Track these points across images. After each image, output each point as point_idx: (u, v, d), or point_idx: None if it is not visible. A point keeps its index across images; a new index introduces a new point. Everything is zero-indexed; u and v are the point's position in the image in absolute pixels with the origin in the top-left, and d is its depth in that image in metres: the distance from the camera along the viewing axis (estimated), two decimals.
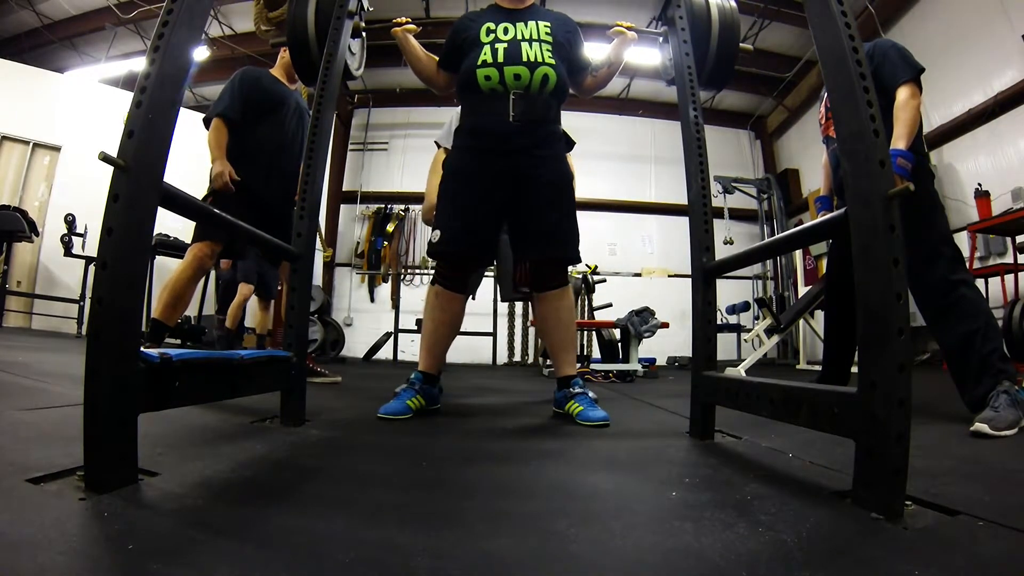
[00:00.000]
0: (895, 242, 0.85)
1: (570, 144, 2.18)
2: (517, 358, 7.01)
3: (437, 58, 2.08)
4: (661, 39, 2.00)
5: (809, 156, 7.29)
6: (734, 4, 1.91)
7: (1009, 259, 4.20)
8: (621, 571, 0.64)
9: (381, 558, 0.66)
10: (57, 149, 6.11)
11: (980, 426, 1.47)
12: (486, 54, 1.89)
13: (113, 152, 0.87)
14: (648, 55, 6.71)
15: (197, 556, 0.63)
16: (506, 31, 1.93)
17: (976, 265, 4.33)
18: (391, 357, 6.53)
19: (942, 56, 4.99)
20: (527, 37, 1.92)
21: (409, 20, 2.03)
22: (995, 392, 1.60)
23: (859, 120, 0.91)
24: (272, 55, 3.01)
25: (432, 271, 2.07)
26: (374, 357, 6.30)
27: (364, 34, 2.10)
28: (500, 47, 1.89)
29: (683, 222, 1.75)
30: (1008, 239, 4.21)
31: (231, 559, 0.63)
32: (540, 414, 2.05)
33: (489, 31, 1.93)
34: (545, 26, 1.96)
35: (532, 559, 0.68)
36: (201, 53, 6.86)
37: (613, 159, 7.89)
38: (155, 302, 2.37)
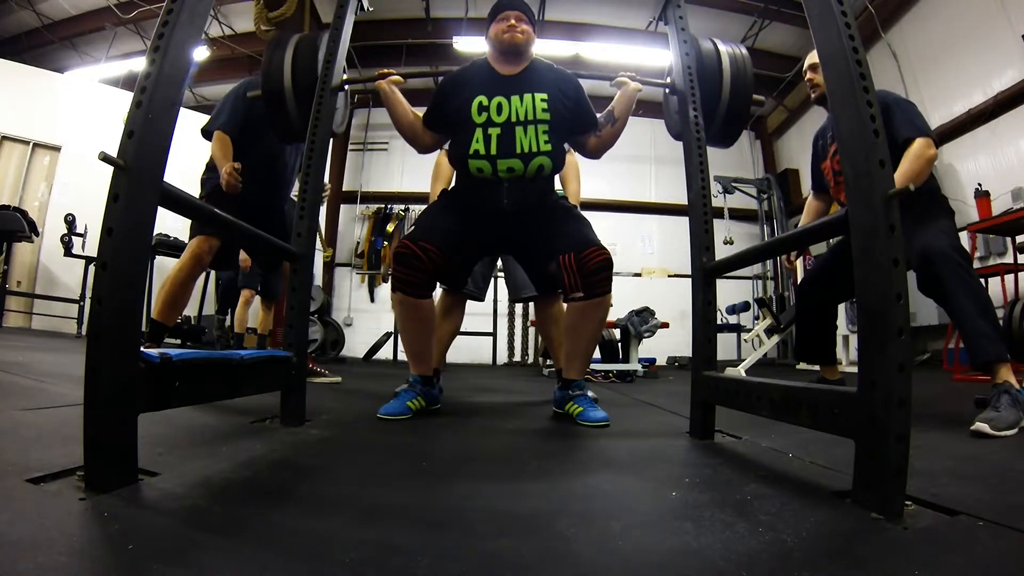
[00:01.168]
0: (895, 242, 0.85)
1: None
2: (517, 358, 7.01)
3: (421, 115, 1.96)
4: (667, 90, 1.91)
5: (809, 156, 7.29)
6: (746, 52, 1.82)
7: (1009, 259, 4.20)
8: (621, 571, 0.64)
9: (381, 558, 0.66)
10: (57, 149, 6.11)
11: (980, 426, 1.47)
12: (478, 141, 1.79)
13: (113, 152, 0.87)
14: (648, 55, 6.72)
15: (197, 556, 0.63)
16: (500, 109, 1.80)
17: (976, 265, 4.32)
18: (391, 357, 6.53)
19: (942, 56, 4.99)
20: (522, 118, 1.79)
21: (394, 72, 1.90)
22: (995, 392, 1.60)
23: (859, 120, 0.91)
24: None
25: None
26: (374, 357, 6.30)
27: (347, 88, 1.93)
28: (493, 134, 1.79)
29: (683, 222, 1.75)
30: (1008, 239, 4.20)
31: (231, 559, 0.63)
32: (540, 414, 2.05)
33: (481, 108, 1.80)
34: (542, 100, 1.82)
35: (532, 559, 0.68)
36: (201, 53, 6.86)
37: (613, 159, 7.77)
38: (154, 301, 2.34)
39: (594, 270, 1.74)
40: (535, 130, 1.80)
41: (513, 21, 1.85)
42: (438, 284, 1.97)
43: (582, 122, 1.93)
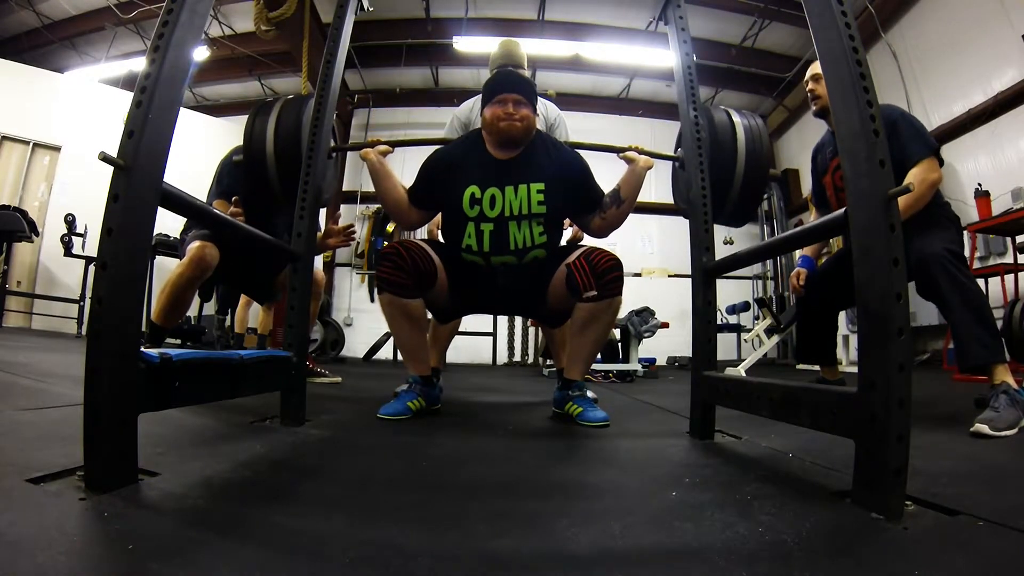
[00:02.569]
0: (895, 242, 0.85)
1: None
2: (517, 358, 7.00)
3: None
4: (676, 164, 1.84)
5: (809, 156, 7.29)
6: (761, 123, 1.73)
7: (1009, 259, 4.20)
8: (621, 571, 0.64)
9: (381, 558, 0.66)
10: (57, 149, 6.11)
11: (980, 427, 1.47)
12: (470, 237, 1.75)
13: (113, 152, 0.87)
14: (649, 55, 6.73)
15: (197, 556, 0.63)
16: (493, 203, 1.73)
17: (976, 265, 4.33)
18: (391, 357, 6.53)
19: (942, 56, 4.99)
20: (515, 212, 1.72)
21: (381, 140, 1.84)
22: (994, 392, 1.60)
23: (859, 120, 0.91)
24: (272, 54, 2.99)
25: None
26: (374, 357, 6.30)
27: (335, 155, 1.89)
28: (486, 229, 1.74)
29: (683, 222, 1.74)
30: (1008, 239, 4.21)
31: (231, 559, 0.63)
32: (540, 414, 2.05)
33: (474, 200, 1.73)
34: (538, 191, 1.73)
35: (532, 559, 0.68)
36: (201, 53, 6.85)
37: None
38: (154, 304, 2.28)
39: (606, 269, 1.71)
40: (529, 225, 1.75)
41: (511, 107, 1.74)
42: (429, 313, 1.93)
43: (585, 205, 1.86)
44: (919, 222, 1.82)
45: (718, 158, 1.65)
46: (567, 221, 2.15)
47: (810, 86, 2.15)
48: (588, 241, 2.04)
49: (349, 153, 8.10)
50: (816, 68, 2.10)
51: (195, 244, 2.24)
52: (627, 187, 1.81)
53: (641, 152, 1.80)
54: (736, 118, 1.71)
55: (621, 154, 1.82)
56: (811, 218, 2.39)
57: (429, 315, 2.03)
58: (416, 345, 1.90)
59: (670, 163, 1.89)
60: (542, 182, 1.75)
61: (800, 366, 5.66)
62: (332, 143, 1.80)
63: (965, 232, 4.36)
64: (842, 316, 2.82)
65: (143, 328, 2.04)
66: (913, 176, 1.78)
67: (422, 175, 1.87)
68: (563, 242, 2.07)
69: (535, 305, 1.91)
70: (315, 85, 1.78)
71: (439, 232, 2.03)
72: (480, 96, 1.97)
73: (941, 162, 1.83)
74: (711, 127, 1.68)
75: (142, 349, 0.90)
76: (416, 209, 1.87)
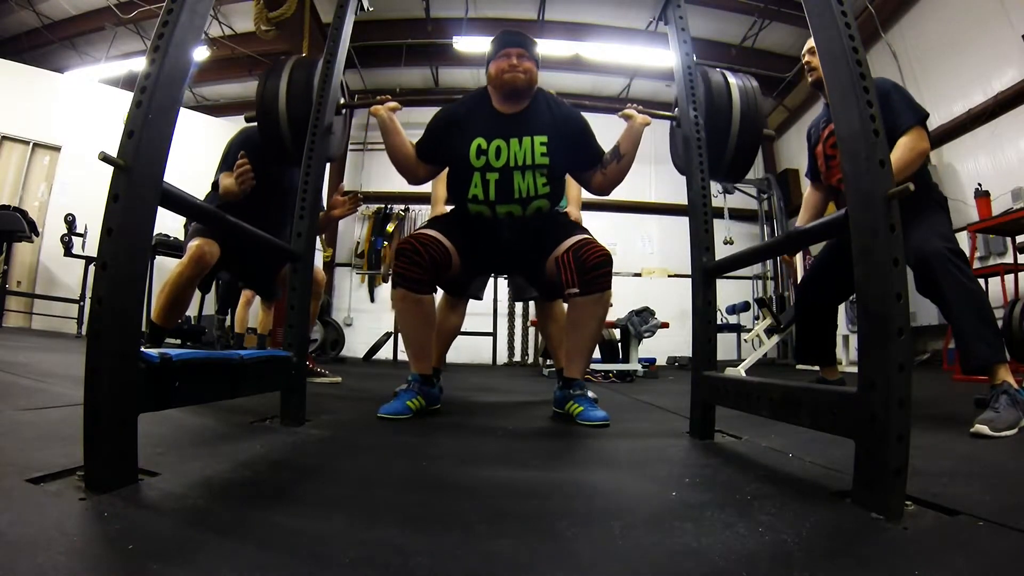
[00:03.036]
0: (895, 242, 0.85)
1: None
2: (517, 358, 7.01)
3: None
4: (674, 123, 1.87)
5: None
6: (756, 84, 1.79)
7: (1009, 259, 4.20)
8: (621, 571, 0.64)
9: (381, 558, 0.66)
10: (57, 149, 6.11)
11: (980, 427, 1.47)
12: (476, 187, 1.79)
13: (113, 152, 0.87)
14: (649, 55, 6.72)
15: (197, 556, 0.63)
16: (498, 153, 1.78)
17: (976, 265, 4.33)
18: (391, 357, 6.53)
19: (942, 56, 4.99)
20: (520, 163, 1.78)
21: (390, 98, 1.87)
22: (994, 392, 1.60)
23: (859, 120, 0.91)
24: (272, 54, 2.99)
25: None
26: (374, 357, 6.30)
27: (345, 112, 1.88)
28: (491, 179, 1.78)
29: (683, 222, 1.75)
30: (1008, 239, 4.21)
31: (231, 559, 0.63)
32: (540, 414, 2.05)
33: (480, 151, 1.78)
34: (541, 143, 1.79)
35: (532, 559, 0.68)
36: (201, 53, 6.86)
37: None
38: (154, 303, 2.28)
39: (592, 267, 1.75)
40: (533, 175, 1.78)
41: (515, 60, 1.80)
42: (439, 290, 1.97)
43: (586, 160, 1.90)
44: (910, 205, 1.82)
45: (714, 118, 1.70)
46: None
47: (806, 58, 2.17)
48: (588, 222, 2.07)
49: (349, 154, 8.13)
50: (812, 42, 2.13)
51: (194, 243, 2.24)
52: (626, 143, 1.85)
53: (639, 110, 1.85)
54: (732, 79, 1.77)
55: (619, 113, 1.87)
56: (806, 199, 2.39)
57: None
58: (422, 342, 1.91)
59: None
60: (545, 135, 1.80)
61: (800, 366, 5.67)
62: (342, 99, 1.83)
63: (965, 232, 4.38)
64: (842, 316, 2.82)
65: (143, 328, 2.04)
66: (903, 145, 1.80)
67: (430, 130, 1.91)
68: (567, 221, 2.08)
69: (536, 268, 1.92)
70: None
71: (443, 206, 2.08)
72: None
73: (927, 132, 1.86)
74: (708, 89, 1.73)
75: (142, 349, 0.90)
76: (423, 164, 1.91)
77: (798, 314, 2.32)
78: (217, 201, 2.29)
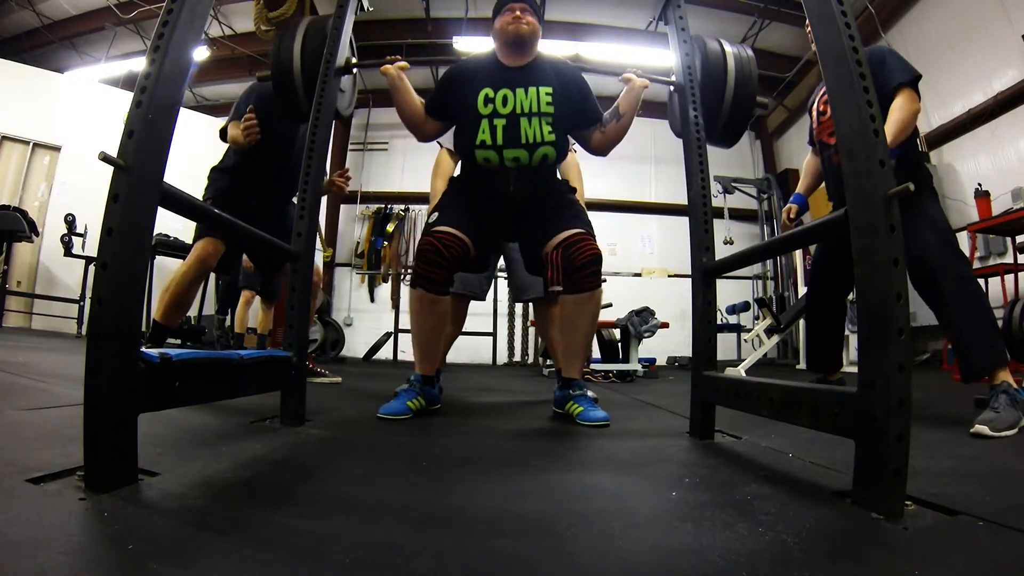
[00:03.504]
0: (895, 242, 0.85)
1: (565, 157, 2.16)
2: (517, 358, 7.01)
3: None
4: (672, 88, 1.91)
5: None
6: (751, 53, 1.83)
7: (1009, 259, 4.20)
8: (621, 571, 0.64)
9: (381, 558, 0.66)
10: (57, 149, 6.11)
11: (980, 428, 1.47)
12: (484, 133, 1.82)
13: (113, 152, 0.86)
14: (649, 55, 6.72)
15: (197, 556, 0.63)
16: (505, 101, 1.82)
17: (976, 265, 4.33)
18: (391, 357, 6.53)
19: (942, 56, 4.99)
20: (526, 110, 1.82)
21: (400, 57, 1.90)
22: (994, 393, 1.60)
23: (859, 120, 0.91)
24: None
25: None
26: (374, 357, 6.30)
27: (355, 71, 1.93)
28: (499, 124, 1.81)
29: (683, 222, 1.75)
30: (1008, 239, 4.21)
31: (231, 559, 0.63)
32: (540, 414, 2.05)
33: (487, 100, 1.83)
34: (546, 93, 1.84)
35: (532, 559, 0.68)
36: (201, 53, 6.86)
37: (613, 159, 7.72)
38: (156, 303, 2.31)
39: (580, 266, 1.77)
40: (539, 121, 1.83)
41: (518, 12, 1.87)
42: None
43: (586, 117, 1.94)
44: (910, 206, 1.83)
45: (710, 83, 1.75)
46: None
47: (809, 28, 2.19)
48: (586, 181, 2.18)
49: (349, 154, 8.13)
50: None
51: (199, 243, 2.30)
52: (625, 103, 1.91)
53: (638, 74, 1.91)
54: (727, 48, 1.81)
55: (620, 77, 1.92)
56: (805, 165, 2.40)
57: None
58: (431, 343, 1.94)
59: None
60: (550, 86, 1.86)
61: (800, 366, 5.67)
62: (352, 59, 1.89)
63: (965, 232, 4.38)
64: None
65: (143, 328, 2.05)
66: (897, 106, 1.82)
67: (438, 86, 1.96)
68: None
69: (539, 240, 1.92)
70: None
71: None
72: None
73: (918, 94, 1.88)
74: (704, 57, 1.78)
75: (142, 349, 0.90)
76: (431, 120, 1.96)
77: (810, 319, 2.31)
78: (231, 156, 2.48)
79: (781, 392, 1.11)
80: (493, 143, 1.82)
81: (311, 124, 1.72)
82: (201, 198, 2.44)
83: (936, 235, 1.79)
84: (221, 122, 2.61)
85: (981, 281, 4.19)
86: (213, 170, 2.56)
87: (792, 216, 2.30)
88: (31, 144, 6.07)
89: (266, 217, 2.48)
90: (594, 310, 1.87)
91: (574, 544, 0.72)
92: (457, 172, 2.11)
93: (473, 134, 1.83)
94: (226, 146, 2.54)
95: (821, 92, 2.17)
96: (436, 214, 1.88)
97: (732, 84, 1.76)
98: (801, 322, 4.61)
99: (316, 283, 2.65)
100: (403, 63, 1.89)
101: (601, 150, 1.99)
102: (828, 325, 2.24)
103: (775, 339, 4.33)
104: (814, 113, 2.25)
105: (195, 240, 2.36)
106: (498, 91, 1.84)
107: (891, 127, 1.77)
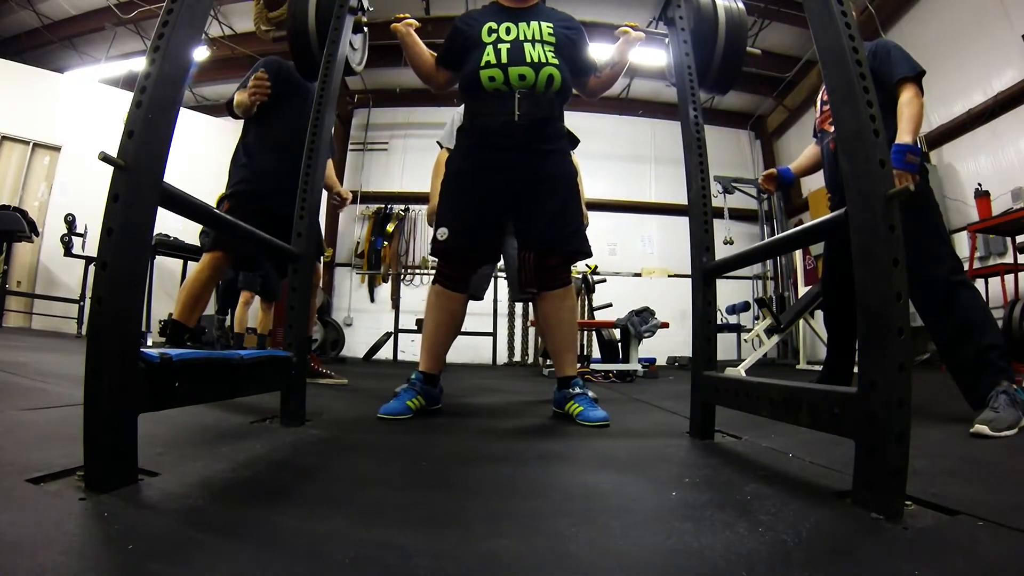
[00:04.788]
0: (895, 242, 0.85)
1: (574, 141, 2.18)
2: (517, 358, 7.01)
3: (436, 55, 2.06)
4: (666, 39, 1.96)
5: None
6: (741, 5, 1.86)
7: (1009, 259, 4.20)
8: (621, 571, 0.64)
9: (381, 558, 0.66)
10: (57, 149, 6.11)
11: (980, 427, 1.47)
12: (489, 55, 1.86)
13: (113, 152, 0.86)
14: (648, 55, 6.72)
15: (197, 556, 0.63)
16: (508, 31, 1.89)
17: (976, 265, 4.33)
18: (391, 357, 6.53)
19: (942, 56, 4.99)
20: (529, 37, 1.89)
21: (408, 15, 2.01)
22: (994, 392, 1.60)
23: (859, 120, 0.91)
24: (272, 54, 2.98)
25: (433, 270, 2.06)
26: (374, 357, 6.30)
27: (366, 29, 2.07)
28: (503, 47, 1.87)
29: (683, 222, 1.74)
30: (1008, 239, 4.21)
31: (231, 559, 0.63)
32: (540, 414, 2.05)
33: (491, 31, 1.90)
34: (548, 27, 1.92)
35: (532, 559, 0.68)
36: (201, 53, 6.85)
37: (613, 159, 7.89)
38: (175, 304, 2.42)
39: (551, 267, 1.92)
40: (542, 47, 1.90)
41: None
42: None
43: (583, 61, 2.02)
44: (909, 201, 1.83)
45: (701, 31, 1.79)
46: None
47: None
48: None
49: (349, 154, 8.13)
50: None
51: (208, 255, 2.39)
52: (620, 51, 2.03)
53: (635, 29, 2.03)
54: (719, 1, 1.84)
55: (617, 30, 2.04)
56: (806, 150, 2.40)
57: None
58: (440, 340, 1.99)
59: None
60: (551, 23, 1.95)
61: (800, 366, 5.67)
62: (363, 18, 2.00)
63: (965, 232, 4.38)
64: None
65: (146, 328, 2.06)
66: (906, 101, 1.83)
67: (447, 37, 2.02)
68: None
69: (533, 227, 1.92)
70: None
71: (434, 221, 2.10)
72: None
73: (922, 90, 1.89)
74: (697, 11, 1.80)
75: (142, 349, 0.90)
76: (442, 69, 2.05)
77: (829, 323, 2.28)
78: (241, 150, 2.55)
79: (781, 392, 1.11)
80: (498, 61, 1.86)
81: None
82: (222, 193, 2.52)
83: (938, 261, 1.80)
84: (221, 122, 2.62)
85: (980, 281, 4.20)
86: (231, 163, 2.59)
87: (771, 179, 2.34)
88: (31, 144, 6.07)
89: (285, 218, 2.51)
90: (571, 303, 2.00)
91: (574, 544, 0.72)
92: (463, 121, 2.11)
93: (478, 59, 1.89)
94: (236, 140, 2.58)
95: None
96: (444, 230, 1.90)
97: (723, 31, 1.79)
98: (801, 322, 4.60)
99: (316, 283, 2.65)
100: (412, 20, 2.00)
101: (595, 92, 2.10)
102: (845, 334, 2.19)
103: (775, 339, 4.34)
104: (818, 103, 2.27)
105: (208, 250, 2.44)
106: (501, 24, 1.92)
107: (907, 123, 1.79)
